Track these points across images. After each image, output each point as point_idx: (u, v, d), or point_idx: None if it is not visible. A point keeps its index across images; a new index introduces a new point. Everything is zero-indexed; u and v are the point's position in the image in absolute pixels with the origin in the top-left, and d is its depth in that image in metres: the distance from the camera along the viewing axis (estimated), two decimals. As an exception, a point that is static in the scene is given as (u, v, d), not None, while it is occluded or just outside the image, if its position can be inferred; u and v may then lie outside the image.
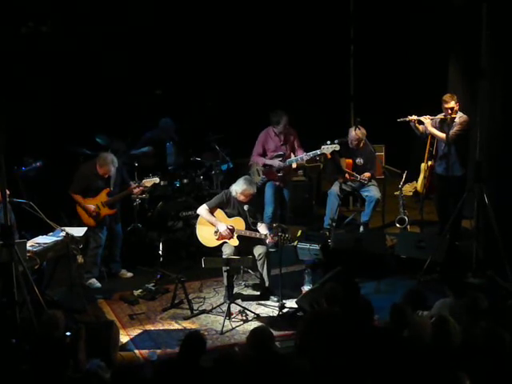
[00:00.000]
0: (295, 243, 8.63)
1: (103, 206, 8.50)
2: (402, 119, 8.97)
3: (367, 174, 9.57)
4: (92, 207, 8.44)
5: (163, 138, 9.92)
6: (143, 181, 8.78)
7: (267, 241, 7.90)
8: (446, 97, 8.75)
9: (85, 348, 5.69)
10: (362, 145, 9.65)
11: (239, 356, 5.48)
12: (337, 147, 9.20)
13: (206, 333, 7.08)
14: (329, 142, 9.16)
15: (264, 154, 9.52)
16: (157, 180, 8.84)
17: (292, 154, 9.57)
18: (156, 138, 9.93)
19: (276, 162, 9.42)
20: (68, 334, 5.80)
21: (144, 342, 7.11)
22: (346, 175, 9.56)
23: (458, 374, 4.63)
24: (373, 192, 9.64)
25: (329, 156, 9.50)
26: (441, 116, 8.82)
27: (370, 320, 5.85)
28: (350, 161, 9.70)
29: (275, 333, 6.27)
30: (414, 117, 8.92)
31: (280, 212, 9.72)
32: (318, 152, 9.28)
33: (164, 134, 9.90)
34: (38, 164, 9.62)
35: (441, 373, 4.78)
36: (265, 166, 9.46)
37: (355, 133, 9.50)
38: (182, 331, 7.24)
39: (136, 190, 8.74)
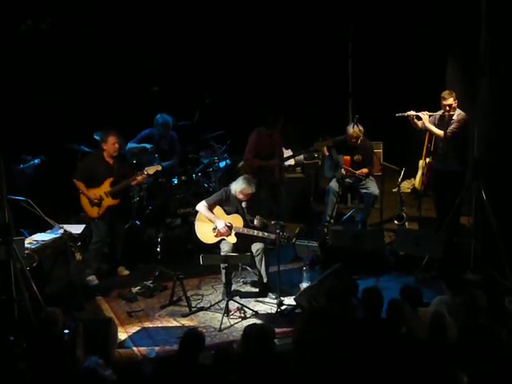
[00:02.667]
0: (293, 240, 8.64)
1: (106, 196, 8.47)
2: (400, 114, 8.96)
3: (365, 170, 9.57)
4: (93, 194, 8.43)
5: (161, 135, 9.85)
6: (146, 168, 8.68)
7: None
8: (445, 93, 8.74)
9: (83, 345, 5.69)
10: (360, 141, 9.65)
11: (237, 353, 5.50)
12: (329, 142, 9.24)
13: (204, 330, 7.05)
14: (321, 139, 9.18)
15: (257, 156, 9.50)
16: (159, 167, 8.78)
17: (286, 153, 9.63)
18: (155, 135, 9.86)
19: (272, 163, 9.41)
20: (66, 331, 5.79)
21: (142, 340, 7.11)
22: (343, 171, 9.56)
23: (457, 374, 4.63)
24: (371, 189, 9.64)
25: (326, 153, 9.52)
26: (439, 113, 8.82)
27: (380, 309, 5.83)
28: (348, 157, 9.70)
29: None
30: (413, 112, 8.91)
31: (277, 210, 9.65)
32: (311, 149, 9.32)
33: (162, 131, 9.82)
34: (36, 161, 9.62)
35: (438, 369, 4.79)
36: (260, 167, 9.41)
37: (353, 130, 9.51)
38: (180, 328, 7.25)
39: (139, 178, 8.61)
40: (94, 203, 8.43)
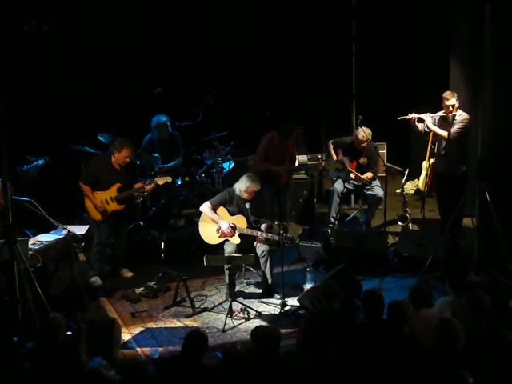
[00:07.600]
0: (297, 241, 8.64)
1: (112, 201, 8.39)
2: (402, 117, 8.95)
3: (370, 175, 9.54)
4: (98, 201, 8.35)
5: (160, 136, 9.81)
6: (156, 179, 8.65)
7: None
8: (447, 94, 8.72)
9: (86, 346, 5.70)
10: (365, 144, 9.62)
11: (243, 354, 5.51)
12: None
13: (207, 331, 7.10)
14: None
15: (266, 160, 9.46)
16: (169, 179, 8.72)
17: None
18: (155, 139, 9.84)
19: (280, 169, 9.37)
20: (69, 333, 5.79)
21: (146, 340, 7.12)
22: (351, 175, 9.55)
23: (461, 373, 4.63)
24: (376, 190, 9.62)
25: (334, 157, 9.59)
26: (441, 113, 8.81)
27: (381, 312, 5.82)
28: (354, 161, 9.70)
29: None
30: (414, 115, 8.89)
31: (280, 212, 9.62)
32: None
33: (159, 133, 9.78)
34: (40, 162, 9.62)
35: (444, 371, 4.78)
36: (268, 171, 9.35)
37: (363, 134, 9.41)
38: (183, 329, 7.26)
39: (148, 187, 8.55)
40: (98, 210, 8.38)
